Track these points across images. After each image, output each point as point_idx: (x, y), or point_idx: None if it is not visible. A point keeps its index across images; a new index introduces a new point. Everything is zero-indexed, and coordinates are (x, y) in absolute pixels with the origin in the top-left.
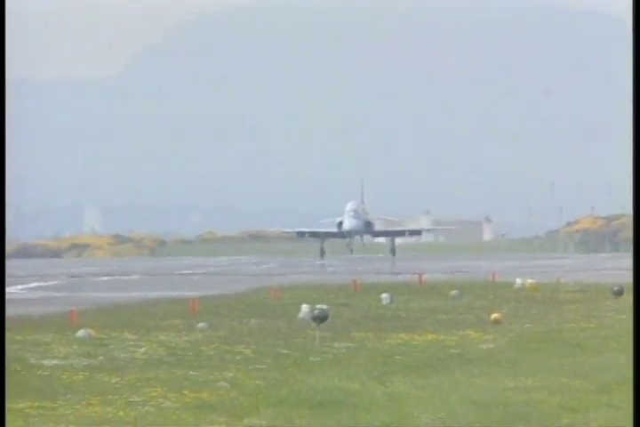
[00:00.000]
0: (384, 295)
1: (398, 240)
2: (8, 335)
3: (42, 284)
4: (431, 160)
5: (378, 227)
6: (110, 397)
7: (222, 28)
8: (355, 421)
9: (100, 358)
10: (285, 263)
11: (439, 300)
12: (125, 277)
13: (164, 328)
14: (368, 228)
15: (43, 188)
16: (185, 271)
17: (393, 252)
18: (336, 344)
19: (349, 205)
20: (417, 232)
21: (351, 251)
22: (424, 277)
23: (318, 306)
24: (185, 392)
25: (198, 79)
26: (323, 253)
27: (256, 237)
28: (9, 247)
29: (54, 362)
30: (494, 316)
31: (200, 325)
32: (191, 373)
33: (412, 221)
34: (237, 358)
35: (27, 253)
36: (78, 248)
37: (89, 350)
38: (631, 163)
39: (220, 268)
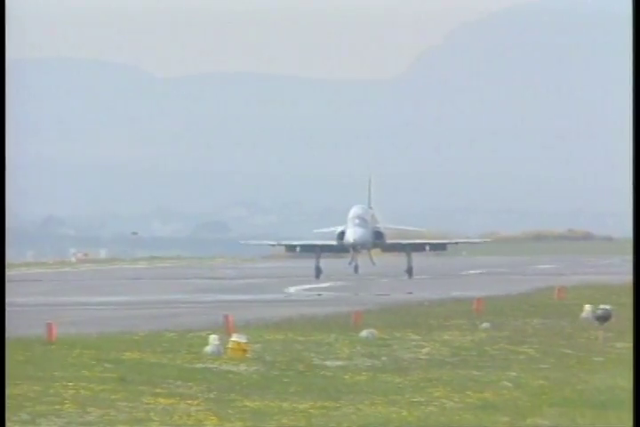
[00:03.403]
0: None
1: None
2: (291, 336)
3: (325, 284)
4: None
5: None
6: (393, 397)
7: (507, 28)
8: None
9: (384, 358)
10: (569, 263)
11: None
12: (407, 277)
13: (447, 328)
14: (378, 240)
15: (328, 189)
16: (469, 271)
17: (409, 271)
18: (619, 344)
19: (354, 211)
20: (441, 246)
21: (356, 270)
22: None
23: (601, 306)
24: (468, 392)
25: (480, 80)
26: (319, 272)
27: (539, 237)
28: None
29: (338, 363)
30: None
31: (484, 325)
32: (474, 373)
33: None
34: (521, 357)
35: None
36: None
37: (372, 351)
38: (631, 163)
39: (502, 268)
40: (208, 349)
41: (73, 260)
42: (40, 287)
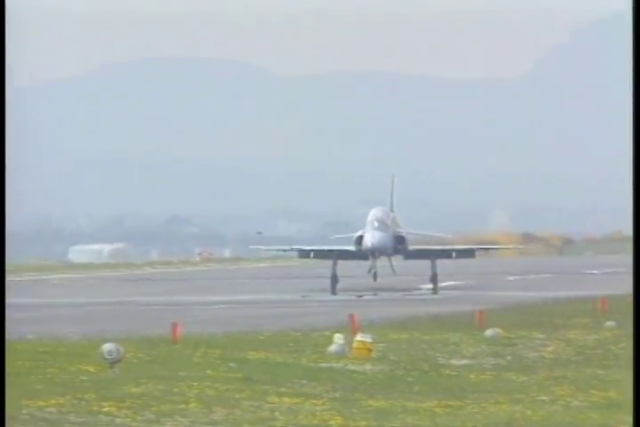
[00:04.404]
0: None
1: None
2: (416, 335)
3: (451, 283)
4: None
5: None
6: (518, 396)
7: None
8: None
9: (508, 357)
10: None
11: None
12: (532, 276)
13: (571, 327)
14: (399, 245)
15: (452, 189)
16: (593, 270)
17: (434, 280)
18: None
19: (373, 213)
20: (469, 253)
21: (374, 277)
22: None
23: None
24: (593, 391)
25: (607, 80)
26: (335, 281)
27: None
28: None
29: (463, 362)
30: None
31: (608, 323)
32: (599, 371)
33: None
34: None
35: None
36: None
37: (497, 350)
38: (631, 163)
39: (627, 267)
40: (333, 348)
41: (197, 259)
42: (165, 286)
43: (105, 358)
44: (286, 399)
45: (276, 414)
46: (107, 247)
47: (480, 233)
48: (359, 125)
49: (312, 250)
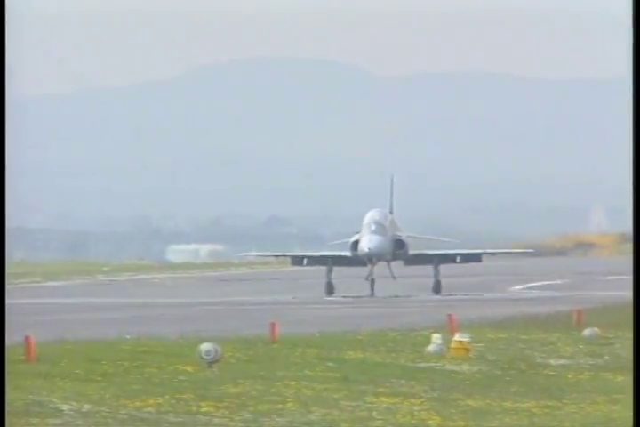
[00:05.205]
0: None
1: None
2: (513, 335)
3: (548, 282)
4: None
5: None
6: (616, 396)
7: None
8: None
9: (606, 356)
10: None
11: None
12: (630, 276)
13: None
14: (399, 249)
15: (553, 189)
16: None
17: (436, 287)
18: None
19: (370, 216)
20: (475, 257)
21: (372, 285)
22: None
23: None
24: None
25: None
26: (330, 289)
27: None
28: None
29: (561, 361)
30: None
31: None
32: None
33: None
34: None
35: (534, 252)
36: (583, 247)
37: (595, 349)
38: (632, 163)
39: None
40: (431, 348)
41: None
42: (262, 286)
43: (203, 358)
44: (384, 399)
45: (374, 413)
46: (204, 247)
47: (579, 235)
48: (458, 126)
49: (305, 256)
